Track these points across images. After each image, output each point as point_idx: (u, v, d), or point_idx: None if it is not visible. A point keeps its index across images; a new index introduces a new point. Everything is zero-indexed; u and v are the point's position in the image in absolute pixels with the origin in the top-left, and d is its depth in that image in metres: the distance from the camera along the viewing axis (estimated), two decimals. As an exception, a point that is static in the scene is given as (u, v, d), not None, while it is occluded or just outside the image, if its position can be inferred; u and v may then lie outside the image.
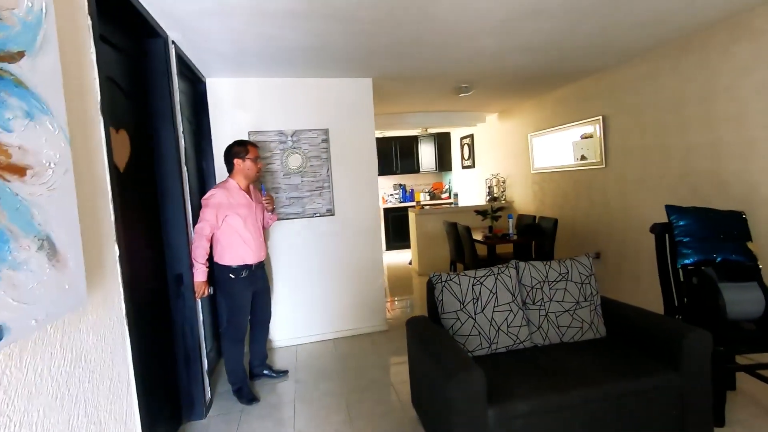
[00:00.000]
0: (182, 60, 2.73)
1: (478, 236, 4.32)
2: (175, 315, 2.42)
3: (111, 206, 1.52)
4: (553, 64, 3.57)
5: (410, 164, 8.20)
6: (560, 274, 2.36)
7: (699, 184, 3.08)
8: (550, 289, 2.32)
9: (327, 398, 2.66)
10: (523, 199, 5.63)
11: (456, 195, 6.79)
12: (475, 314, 2.18)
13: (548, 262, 2.39)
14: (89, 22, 1.47)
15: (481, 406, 1.68)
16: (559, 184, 4.80)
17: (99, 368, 1.36)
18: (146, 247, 2.22)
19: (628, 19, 2.63)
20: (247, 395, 2.66)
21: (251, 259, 2.64)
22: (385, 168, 8.11)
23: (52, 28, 1.15)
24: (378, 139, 7.92)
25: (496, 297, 2.23)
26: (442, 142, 8.12)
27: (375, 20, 2.43)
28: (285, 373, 3.00)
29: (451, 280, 2.23)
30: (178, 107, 2.46)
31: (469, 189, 7.39)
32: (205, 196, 2.56)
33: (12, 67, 0.99)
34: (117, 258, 1.54)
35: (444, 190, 8.35)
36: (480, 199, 6.73)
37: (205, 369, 2.62)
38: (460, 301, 2.19)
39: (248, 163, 2.65)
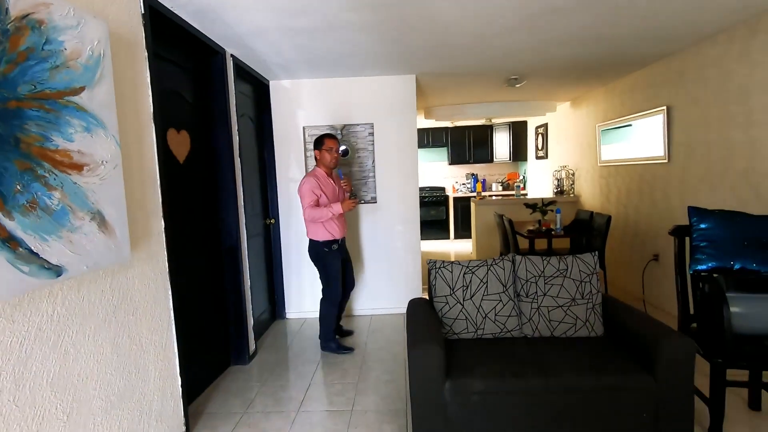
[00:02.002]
0: (245, 68, 3.27)
1: (531, 229, 4.29)
2: (226, 280, 3.01)
3: (159, 191, 2.05)
4: (602, 53, 3.39)
5: (484, 154, 8.14)
6: (558, 270, 2.39)
7: (759, 185, 2.75)
8: (545, 283, 2.38)
9: (346, 363, 3.05)
10: (590, 194, 5.33)
11: (518, 187, 6.61)
12: (463, 300, 2.36)
13: (548, 258, 2.43)
14: (145, 54, 1.99)
15: (437, 378, 1.90)
16: (624, 179, 4.49)
17: (142, 306, 1.90)
18: (204, 223, 2.80)
19: (667, 6, 2.46)
20: (335, 349, 3.21)
21: (338, 234, 3.14)
22: (459, 157, 8.17)
23: (108, 66, 1.66)
24: (451, 129, 8.04)
25: (487, 286, 2.37)
26: (518, 131, 7.88)
27: (394, 28, 2.66)
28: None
29: (444, 267, 2.42)
30: (233, 110, 2.99)
31: (541, 180, 7.12)
32: (303, 188, 3.02)
33: (75, 98, 1.50)
34: (162, 229, 2.07)
35: (518, 180, 8.13)
36: (549, 191, 6.48)
37: (251, 325, 3.19)
38: (450, 287, 2.38)
39: (324, 153, 3.13)
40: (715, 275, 2.12)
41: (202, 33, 2.57)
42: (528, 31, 2.81)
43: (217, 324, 2.94)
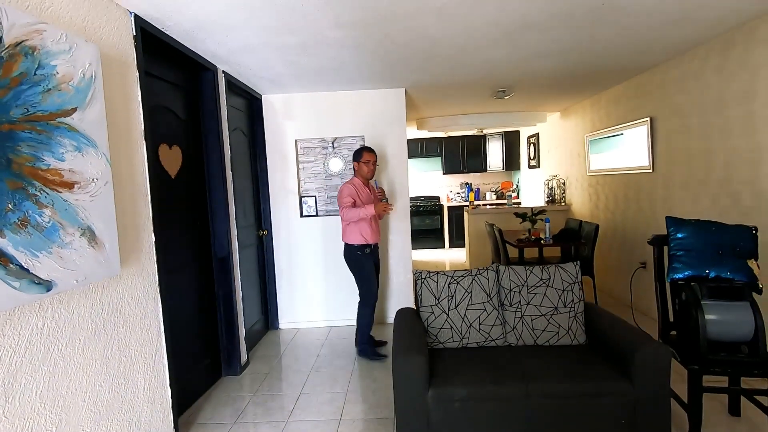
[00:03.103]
0: (236, 83, 3.35)
1: (521, 238, 4.34)
2: (217, 289, 3.05)
3: (149, 205, 2.11)
4: (584, 66, 3.49)
5: (478, 163, 8.23)
6: (541, 279, 2.45)
7: (739, 193, 2.82)
8: (528, 293, 2.43)
9: (337, 372, 3.09)
10: (580, 202, 5.41)
11: (510, 196, 6.69)
12: (448, 310, 2.41)
13: (530, 268, 2.49)
14: (137, 74, 2.06)
15: (420, 386, 1.94)
16: (611, 187, 4.56)
17: (132, 319, 1.95)
18: (195, 235, 2.86)
19: (645, 20, 2.55)
20: (371, 354, 3.28)
21: (372, 239, 3.30)
22: (453, 167, 8.26)
23: (99, 87, 1.72)
24: (444, 139, 8.14)
25: (471, 296, 2.42)
26: (511, 141, 7.97)
27: (380, 44, 2.75)
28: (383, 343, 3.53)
29: (429, 277, 2.48)
30: (225, 125, 3.06)
31: (534, 189, 7.21)
32: (342, 189, 3.25)
33: (66, 119, 1.56)
34: (153, 243, 2.13)
35: (512, 189, 8.21)
36: (542, 200, 6.56)
37: (243, 336, 3.23)
38: (435, 297, 2.43)
39: (362, 165, 3.33)
40: (692, 283, 2.17)
41: (193, 51, 2.65)
42: (510, 45, 2.89)
43: (209, 335, 2.98)
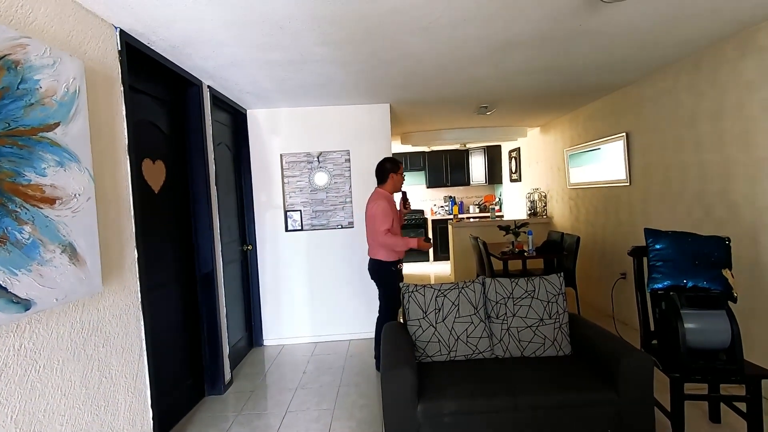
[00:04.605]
0: (222, 98, 3.35)
1: (504, 250, 4.40)
2: (201, 306, 2.99)
3: (132, 221, 2.07)
4: (563, 82, 3.61)
5: (461, 177, 8.34)
6: (526, 291, 2.48)
7: (712, 205, 2.93)
8: (514, 305, 2.46)
9: (323, 389, 3.04)
10: (561, 215, 5.52)
11: (493, 209, 6.79)
12: (435, 323, 2.41)
13: (516, 280, 2.53)
14: (122, 88, 2.05)
15: (409, 400, 1.93)
16: (591, 200, 4.69)
17: (113, 338, 1.89)
18: (179, 251, 2.81)
19: (619, 41, 2.66)
20: None
21: (400, 255, 3.21)
22: (436, 180, 8.35)
23: (83, 102, 1.70)
24: (428, 153, 8.23)
25: (458, 309, 2.43)
26: (493, 155, 8.13)
27: (365, 61, 2.79)
28: None
29: (416, 291, 2.49)
30: (209, 139, 3.05)
31: (516, 202, 7.33)
32: (378, 209, 3.05)
33: (49, 134, 1.54)
34: (135, 259, 2.08)
35: (494, 202, 8.33)
36: (524, 213, 6.67)
37: (227, 354, 3.16)
38: (423, 310, 2.44)
39: (399, 177, 3.23)
40: (671, 293, 2.24)
41: (178, 66, 2.65)
42: (492, 64, 2.98)
43: (192, 353, 2.90)
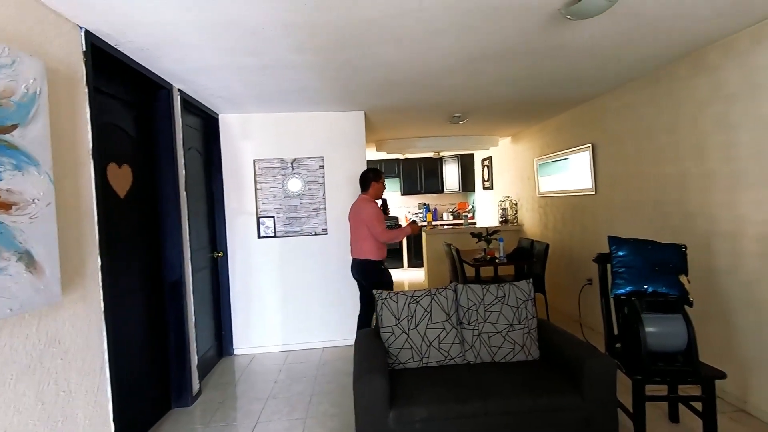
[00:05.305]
0: (193, 102, 3.28)
1: (476, 257, 4.47)
2: (168, 316, 2.90)
3: (96, 227, 2.00)
4: (532, 94, 3.73)
5: (435, 184, 8.44)
6: (497, 297, 2.53)
7: (670, 214, 3.08)
8: (485, 311, 2.50)
9: (295, 398, 3.00)
10: (531, 223, 5.67)
11: (466, 216, 6.91)
12: (408, 330, 2.43)
13: (487, 286, 2.58)
14: (86, 90, 1.98)
15: (381, 408, 1.93)
16: (559, 209, 4.84)
17: (73, 350, 1.81)
18: (145, 258, 2.72)
19: (584, 56, 2.78)
20: None
21: (385, 254, 3.52)
22: (410, 188, 8.42)
23: (44, 103, 1.64)
24: (402, 160, 8.30)
25: (431, 316, 2.46)
26: (466, 163, 8.27)
27: (340, 68, 2.81)
28: None
29: (389, 298, 2.50)
30: (179, 144, 2.98)
31: (488, 210, 7.48)
32: (372, 212, 3.34)
33: (5, 136, 1.47)
34: (99, 267, 2.01)
35: (467, 210, 8.47)
36: (496, 220, 6.81)
37: (195, 364, 3.07)
38: (395, 317, 2.45)
39: (380, 185, 3.53)
40: (633, 298, 2.33)
41: (147, 69, 2.58)
42: (465, 74, 3.05)
43: (158, 364, 2.81)
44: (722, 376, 2.13)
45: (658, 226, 3.20)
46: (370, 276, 3.45)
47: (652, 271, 2.36)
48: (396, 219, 8.41)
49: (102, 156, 2.20)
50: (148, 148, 2.80)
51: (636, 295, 2.34)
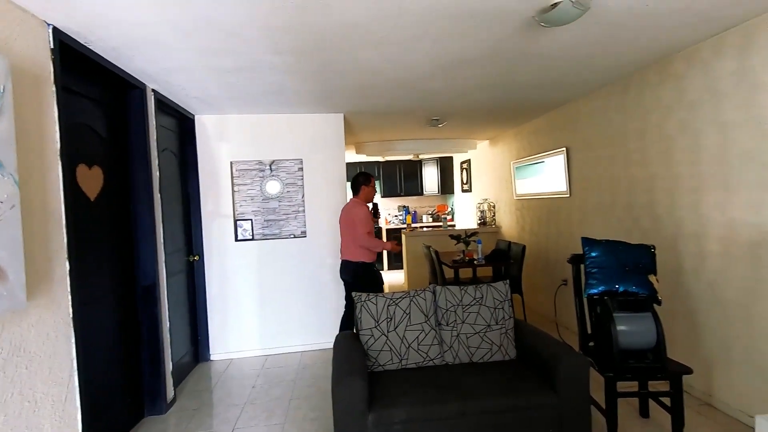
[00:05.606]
0: (168, 102, 3.21)
1: (455, 259, 4.51)
2: (141, 321, 2.82)
3: (64, 231, 1.93)
4: (508, 99, 3.80)
5: (414, 186, 8.50)
6: (474, 298, 2.57)
7: (640, 216, 3.19)
8: (463, 312, 2.53)
9: (273, 402, 2.96)
10: (508, 225, 5.77)
11: (445, 218, 6.99)
12: (387, 332, 2.43)
13: (465, 287, 2.61)
14: (53, 89, 1.92)
15: (360, 411, 1.93)
16: (535, 211, 4.94)
17: (38, 358, 1.74)
18: (117, 262, 2.64)
19: (558, 62, 2.85)
20: None
21: (376, 256, 3.58)
22: (390, 190, 8.45)
23: (8, 102, 1.58)
24: (382, 163, 8.32)
25: (410, 317, 2.47)
26: (445, 166, 8.36)
27: (318, 71, 2.80)
28: None
29: (368, 300, 2.50)
30: (153, 145, 2.91)
31: (467, 212, 7.57)
32: (359, 214, 3.41)
33: (-33, 137, 1.41)
34: (67, 272, 1.94)
35: (447, 212, 8.55)
36: (474, 222, 6.90)
37: (169, 370, 3.00)
38: (375, 320, 2.45)
39: (371, 189, 3.60)
40: (605, 298, 2.40)
41: (119, 68, 2.52)
42: (443, 78, 3.09)
43: (131, 371, 2.73)
44: (689, 371, 2.21)
45: (628, 228, 3.31)
46: (364, 277, 3.50)
47: (623, 271, 2.43)
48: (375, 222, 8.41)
49: (71, 157, 2.13)
50: (120, 149, 2.73)
51: (608, 294, 2.41)
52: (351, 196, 3.65)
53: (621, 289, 2.40)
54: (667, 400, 2.32)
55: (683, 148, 2.76)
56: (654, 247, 2.49)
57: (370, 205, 3.71)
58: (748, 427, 2.36)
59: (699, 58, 2.60)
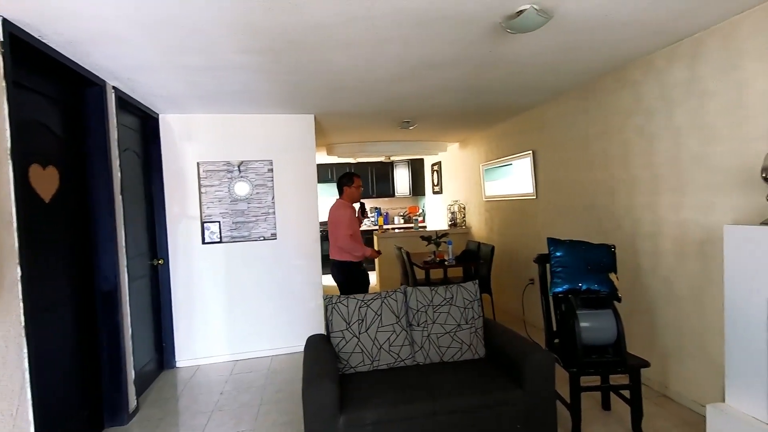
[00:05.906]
0: (129, 101, 3.09)
1: (426, 260, 4.55)
2: (101, 329, 2.70)
3: (15, 234, 1.83)
4: (477, 102, 3.88)
5: (386, 188, 8.53)
6: (445, 298, 2.60)
7: (601, 217, 3.33)
8: (434, 312, 2.56)
9: (242, 409, 2.89)
10: (478, 226, 5.88)
11: (416, 220, 7.05)
12: (359, 334, 2.43)
13: (435, 288, 2.64)
14: (3, 84, 1.81)
15: (330, 413, 1.92)
16: (504, 212, 5.06)
17: (-14, 370, 1.64)
18: (75, 267, 2.52)
19: (524, 67, 2.93)
20: None
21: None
22: (362, 192, 8.43)
23: (-48, 98, 1.48)
24: (354, 164, 8.30)
25: (381, 318, 2.47)
26: (416, 168, 8.44)
27: (287, 71, 2.77)
28: None
29: (340, 302, 2.49)
30: (113, 145, 2.80)
31: (438, 213, 7.66)
32: (343, 215, 3.46)
33: None
34: (18, 278, 1.83)
35: (418, 213, 8.63)
36: (445, 224, 6.99)
37: (132, 379, 2.88)
38: (346, 322, 2.44)
39: (354, 189, 3.64)
40: (569, 296, 2.49)
41: (77, 64, 2.41)
42: (412, 81, 3.12)
43: (89, 381, 2.60)
44: (646, 365, 2.32)
45: (591, 229, 3.44)
46: (353, 276, 3.57)
47: (586, 270, 2.53)
48: (348, 223, 8.38)
49: (23, 156, 2.01)
50: (78, 149, 2.60)
51: (572, 292, 2.50)
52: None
53: (584, 287, 2.49)
54: (627, 393, 2.42)
55: (640, 151, 2.90)
56: (614, 247, 2.60)
57: (357, 206, 3.73)
58: (700, 415, 2.49)
59: (654, 66, 2.74)
